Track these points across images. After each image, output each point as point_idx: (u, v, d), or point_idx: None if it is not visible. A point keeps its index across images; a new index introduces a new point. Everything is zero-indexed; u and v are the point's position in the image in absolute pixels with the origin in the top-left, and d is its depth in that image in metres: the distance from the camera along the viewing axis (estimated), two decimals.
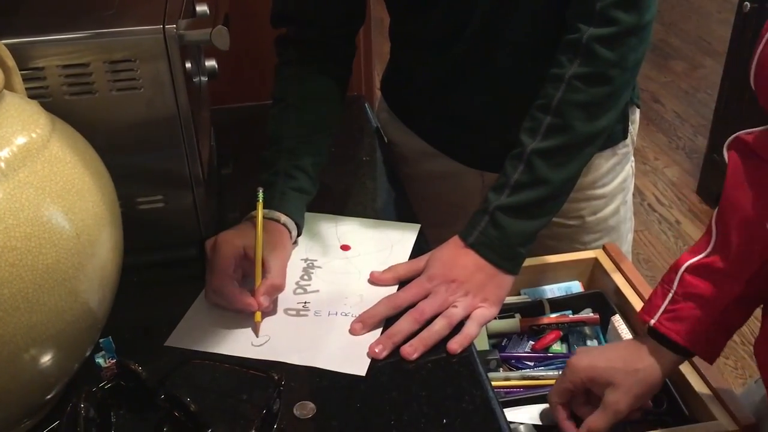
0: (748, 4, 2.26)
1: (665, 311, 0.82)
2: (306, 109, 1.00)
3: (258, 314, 0.83)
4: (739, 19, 2.34)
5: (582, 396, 0.84)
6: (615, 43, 0.85)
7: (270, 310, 0.85)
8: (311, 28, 1.02)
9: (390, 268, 0.91)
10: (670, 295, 0.82)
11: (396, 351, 0.80)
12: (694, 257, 0.82)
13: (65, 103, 0.80)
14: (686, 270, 0.82)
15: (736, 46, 2.39)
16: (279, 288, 0.86)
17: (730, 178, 0.80)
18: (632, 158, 1.16)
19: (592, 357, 0.84)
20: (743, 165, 0.79)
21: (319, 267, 0.94)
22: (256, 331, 0.83)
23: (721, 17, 4.07)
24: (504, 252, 0.87)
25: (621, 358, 0.82)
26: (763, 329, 0.79)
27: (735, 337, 2.04)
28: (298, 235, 0.96)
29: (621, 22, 0.85)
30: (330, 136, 1.02)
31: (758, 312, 0.82)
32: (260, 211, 0.88)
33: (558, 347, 0.98)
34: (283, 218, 0.92)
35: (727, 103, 2.48)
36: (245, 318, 0.84)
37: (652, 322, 0.82)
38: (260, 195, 0.89)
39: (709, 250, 0.81)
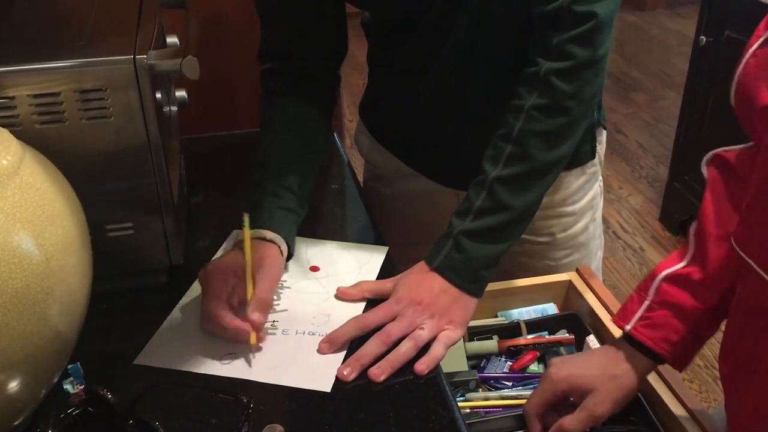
0: (704, 38, 2.34)
1: (641, 318, 0.83)
2: (291, 134, 1.02)
3: (253, 337, 0.83)
4: (696, 53, 2.42)
5: (555, 406, 0.85)
6: (571, 76, 0.89)
7: (263, 327, 0.85)
8: (297, 63, 1.05)
9: (356, 284, 0.93)
10: (647, 302, 0.84)
11: (364, 373, 0.81)
12: (671, 267, 0.84)
13: (36, 132, 0.81)
14: (664, 279, 0.84)
15: (693, 79, 2.46)
16: (267, 302, 0.87)
17: (710, 193, 0.82)
18: (600, 177, 1.20)
19: (569, 367, 0.85)
20: (723, 181, 0.81)
21: (288, 287, 0.95)
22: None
23: (680, 50, 4.19)
24: (467, 275, 0.90)
25: (599, 365, 0.84)
26: (724, 341, 0.81)
27: (698, 360, 2.10)
28: (290, 249, 0.96)
29: (576, 56, 0.89)
30: (317, 161, 1.05)
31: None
32: (247, 235, 0.89)
33: (535, 367, 1.00)
34: (270, 235, 0.93)
35: (686, 134, 2.55)
36: (213, 337, 0.85)
37: (628, 328, 0.84)
38: (245, 220, 0.90)
39: (686, 261, 0.83)
